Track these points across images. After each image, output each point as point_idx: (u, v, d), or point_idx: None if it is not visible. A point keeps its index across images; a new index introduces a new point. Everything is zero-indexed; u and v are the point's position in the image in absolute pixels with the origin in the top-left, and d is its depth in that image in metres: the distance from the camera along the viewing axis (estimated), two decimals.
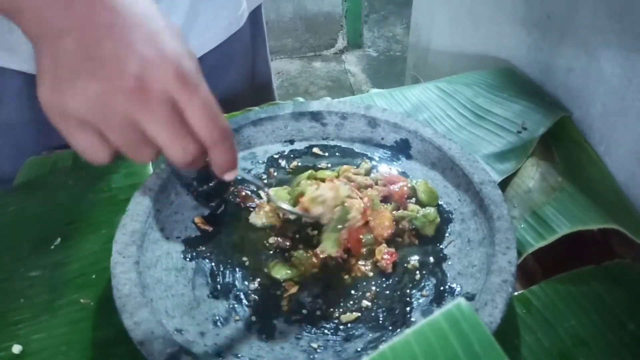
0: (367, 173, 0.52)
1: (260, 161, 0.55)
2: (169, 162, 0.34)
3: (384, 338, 0.39)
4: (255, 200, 0.50)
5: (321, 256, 0.44)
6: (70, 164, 0.57)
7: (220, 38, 0.65)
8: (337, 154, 0.56)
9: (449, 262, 0.44)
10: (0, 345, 0.40)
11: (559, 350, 0.39)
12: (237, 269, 0.44)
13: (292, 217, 0.47)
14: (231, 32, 0.66)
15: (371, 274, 0.44)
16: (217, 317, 0.40)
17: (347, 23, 2.55)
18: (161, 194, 0.46)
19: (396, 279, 0.43)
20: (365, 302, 0.41)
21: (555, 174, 0.53)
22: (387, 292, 0.42)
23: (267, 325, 0.40)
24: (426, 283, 0.43)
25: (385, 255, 0.44)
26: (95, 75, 0.28)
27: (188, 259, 0.44)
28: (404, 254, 0.45)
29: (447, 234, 0.47)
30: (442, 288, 0.42)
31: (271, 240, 0.46)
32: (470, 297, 0.39)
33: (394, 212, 0.47)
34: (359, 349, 0.38)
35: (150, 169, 0.55)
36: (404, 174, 0.53)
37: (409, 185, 0.50)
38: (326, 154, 0.56)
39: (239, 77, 0.73)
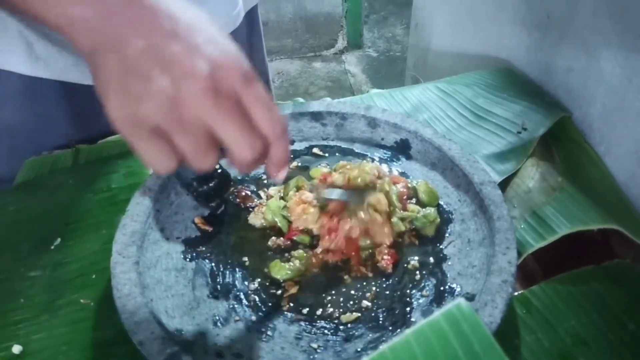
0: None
1: None
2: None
3: (384, 338, 0.39)
4: (255, 200, 0.50)
5: (321, 257, 0.44)
6: (70, 164, 0.57)
7: None
8: (337, 154, 0.56)
9: (449, 263, 0.44)
10: (0, 345, 0.40)
11: (559, 350, 0.39)
12: (237, 269, 0.44)
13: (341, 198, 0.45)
14: (227, 32, 0.66)
15: (371, 274, 0.44)
16: (217, 317, 0.40)
17: (347, 23, 2.55)
18: (161, 194, 0.46)
19: (396, 279, 0.43)
20: (365, 302, 0.41)
21: (555, 174, 0.53)
22: (387, 292, 0.42)
23: (267, 326, 0.40)
24: (426, 283, 0.43)
25: (385, 255, 0.44)
26: (167, 79, 0.28)
27: (188, 259, 0.44)
28: (404, 254, 0.45)
29: (447, 235, 0.47)
30: (442, 288, 0.42)
31: (271, 240, 0.46)
32: (470, 298, 0.39)
33: (392, 219, 0.46)
34: (359, 349, 0.38)
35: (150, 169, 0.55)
36: (404, 174, 0.53)
37: (409, 185, 0.50)
38: (326, 155, 0.56)
39: None
